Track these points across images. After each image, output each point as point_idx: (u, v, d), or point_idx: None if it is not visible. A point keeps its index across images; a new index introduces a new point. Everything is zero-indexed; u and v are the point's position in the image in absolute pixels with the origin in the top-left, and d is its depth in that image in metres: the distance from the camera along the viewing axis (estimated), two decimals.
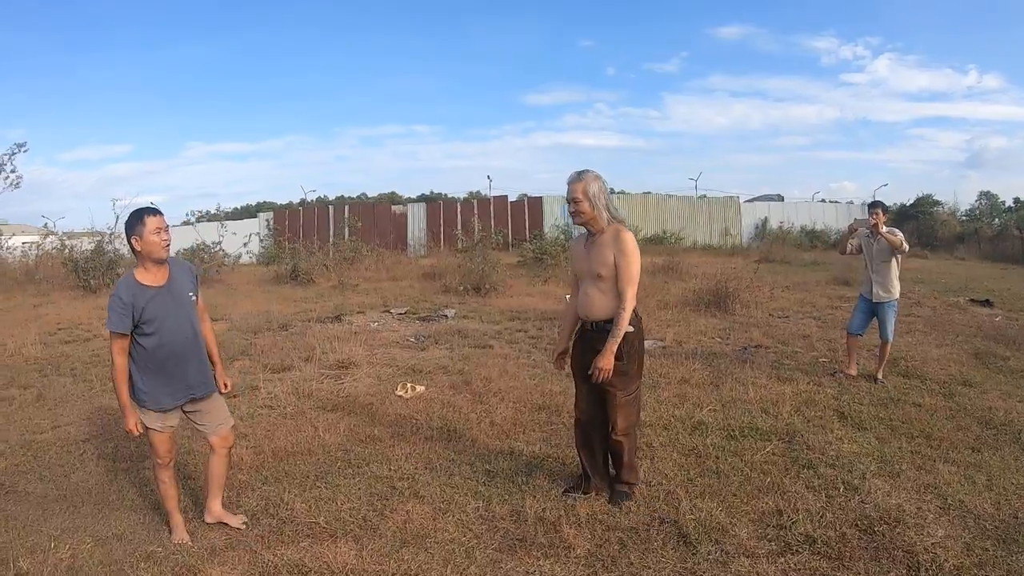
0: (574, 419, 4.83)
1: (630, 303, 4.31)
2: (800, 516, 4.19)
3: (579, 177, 4.46)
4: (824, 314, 12.16)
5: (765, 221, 33.78)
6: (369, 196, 61.99)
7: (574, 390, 4.85)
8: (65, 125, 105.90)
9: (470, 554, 3.93)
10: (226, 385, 4.54)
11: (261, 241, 32.58)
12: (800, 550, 3.86)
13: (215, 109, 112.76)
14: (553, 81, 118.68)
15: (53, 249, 24.21)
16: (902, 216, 37.25)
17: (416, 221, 32.91)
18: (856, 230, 8.06)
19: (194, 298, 4.23)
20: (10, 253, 24.70)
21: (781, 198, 39.18)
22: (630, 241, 4.36)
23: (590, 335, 4.52)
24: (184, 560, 3.99)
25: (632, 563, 3.78)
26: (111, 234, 21.90)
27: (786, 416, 6.10)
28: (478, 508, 4.50)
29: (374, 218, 32.47)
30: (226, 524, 4.47)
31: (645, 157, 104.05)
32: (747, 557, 3.79)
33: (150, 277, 4.03)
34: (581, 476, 4.76)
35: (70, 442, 6.25)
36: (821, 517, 4.20)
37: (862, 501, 4.42)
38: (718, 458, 5.17)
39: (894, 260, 7.73)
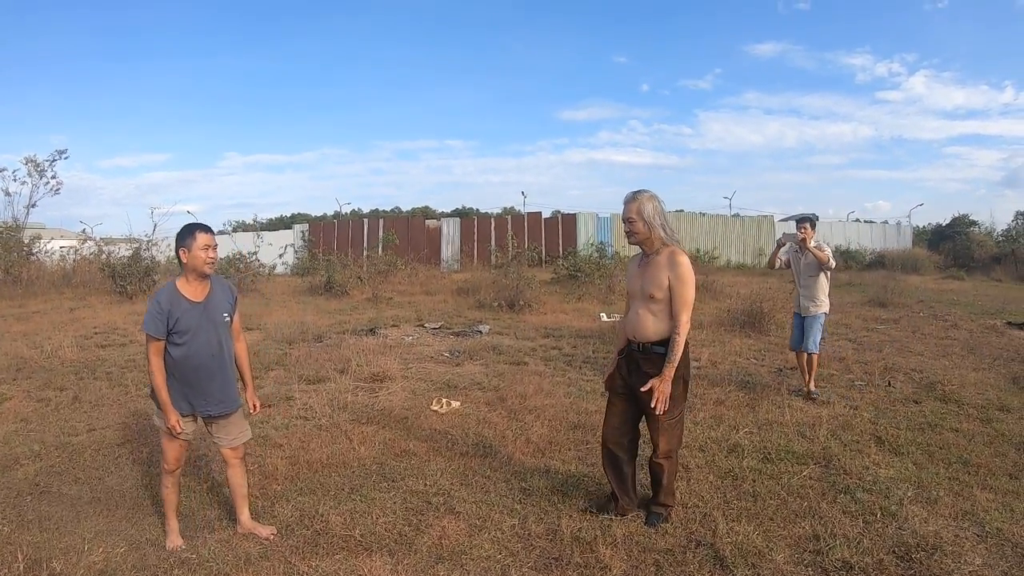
0: (602, 437, 4.78)
1: (684, 327, 4.30)
2: (837, 542, 4.14)
3: (634, 197, 4.46)
4: (859, 336, 12.00)
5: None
6: (403, 210, 62.46)
7: (600, 408, 4.87)
8: (105, 133, 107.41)
9: (505, 572, 3.94)
10: (255, 407, 4.65)
11: (296, 253, 32.83)
12: None
13: (252, 120, 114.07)
14: (588, 97, 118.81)
15: (90, 254, 24.61)
16: (938, 236, 36.88)
17: (450, 236, 33.00)
18: (784, 244, 8.16)
19: (228, 319, 4.37)
20: (48, 257, 25.00)
21: (816, 217, 38.76)
22: (685, 264, 4.34)
23: (637, 356, 4.48)
24: (218, 568, 4.03)
25: None
26: (149, 241, 22.19)
27: (823, 440, 6.05)
28: (514, 526, 4.49)
29: (408, 232, 32.61)
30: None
31: (678, 175, 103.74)
32: None
33: (191, 290, 4.22)
34: (610, 496, 4.73)
35: (105, 445, 6.33)
36: (858, 543, 4.15)
37: (899, 527, 4.37)
38: (754, 481, 5.13)
39: (822, 275, 7.91)
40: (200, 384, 4.27)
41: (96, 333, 13.25)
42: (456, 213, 49.30)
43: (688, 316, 4.32)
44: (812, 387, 7.78)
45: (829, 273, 7.95)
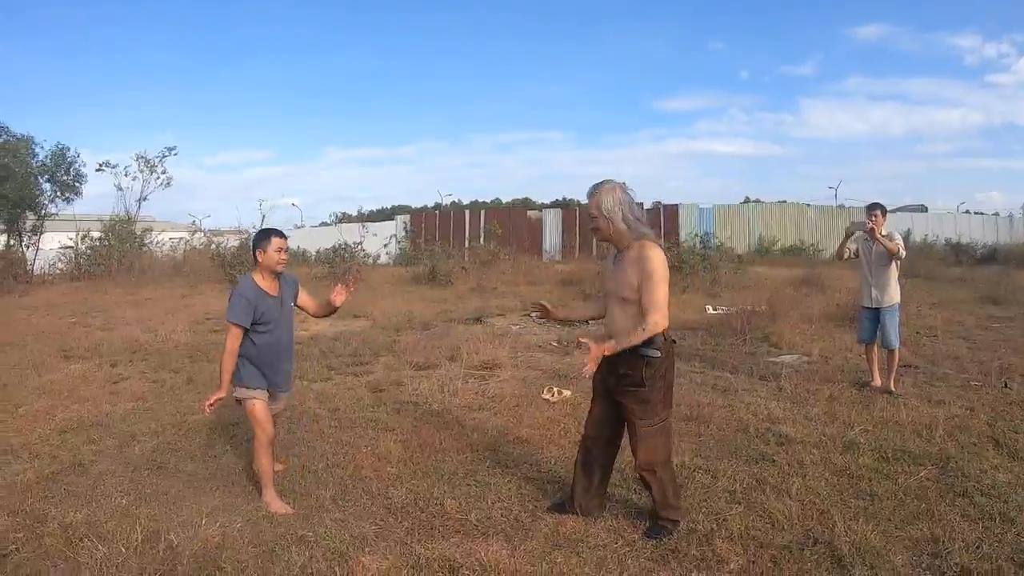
0: (582, 434, 4.68)
1: (652, 329, 3.96)
2: (956, 546, 4.03)
3: (594, 191, 4.22)
4: (973, 334, 11.57)
5: (908, 233, 32.16)
6: (503, 201, 62.85)
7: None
8: (210, 131, 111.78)
9: (622, 562, 3.92)
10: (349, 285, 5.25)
11: (398, 243, 33.45)
12: None
13: (352, 115, 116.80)
14: (685, 86, 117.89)
15: (200, 245, 25.66)
16: None
17: (552, 227, 33.15)
18: (853, 234, 7.91)
19: (293, 305, 5.04)
20: (159, 248, 26.10)
21: (924, 209, 37.43)
22: (654, 259, 4.02)
23: (614, 358, 4.14)
24: (335, 547, 4.09)
25: None
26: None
27: (939, 441, 5.89)
28: (629, 516, 4.50)
29: (510, 223, 32.88)
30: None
31: (781, 164, 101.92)
32: None
33: (267, 285, 4.83)
34: (570, 495, 4.60)
35: (220, 425, 6.56)
36: (977, 548, 4.02)
37: (1018, 534, 4.22)
38: (871, 480, 5.05)
39: (893, 265, 7.64)
40: (279, 365, 4.97)
41: (208, 319, 13.92)
42: (555, 204, 49.32)
43: (658, 317, 3.95)
44: (892, 385, 7.56)
45: (898, 263, 7.73)
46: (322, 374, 8.79)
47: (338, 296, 5.03)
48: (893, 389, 7.49)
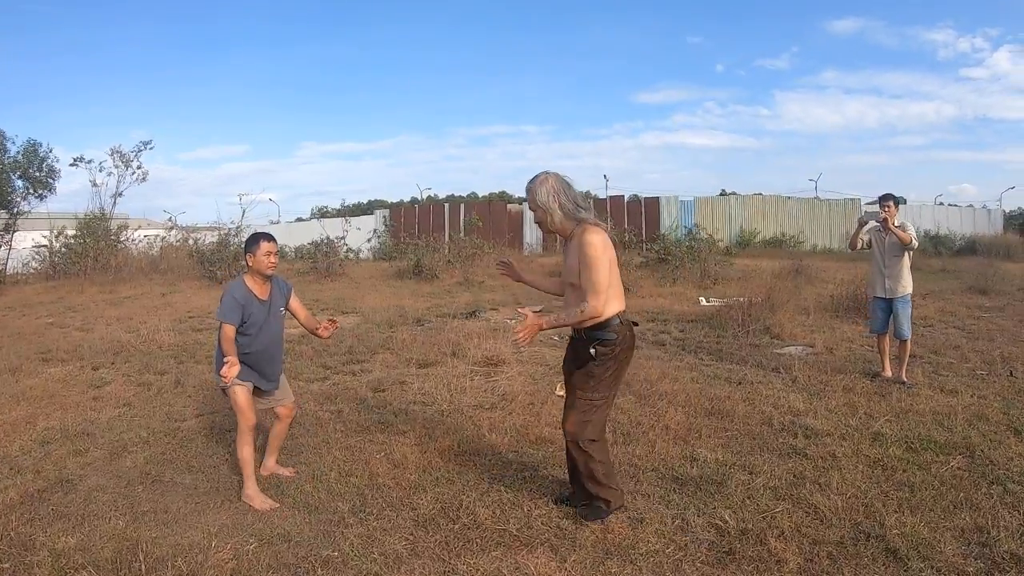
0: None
1: (590, 312, 3.98)
2: (1002, 534, 4.01)
3: (530, 185, 4.21)
4: (967, 324, 11.64)
5: None
6: (479, 195, 62.89)
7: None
8: (185, 126, 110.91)
9: (678, 567, 3.81)
10: (329, 325, 5.26)
11: (378, 237, 33.26)
12: (1008, 569, 3.71)
13: (328, 109, 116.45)
14: (662, 79, 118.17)
15: (176, 242, 25.33)
16: None
17: (532, 220, 33.01)
18: (866, 223, 7.91)
19: (283, 311, 5.09)
20: (135, 245, 25.73)
21: (904, 201, 37.81)
22: (592, 243, 3.97)
23: (575, 343, 4.34)
24: (366, 568, 3.88)
25: None
26: (237, 228, 22.71)
27: (960, 430, 5.87)
28: (674, 518, 4.36)
29: (490, 216, 32.78)
30: (278, 477, 5.25)
31: (756, 157, 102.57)
32: (957, 575, 3.68)
33: (257, 288, 4.92)
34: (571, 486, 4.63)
35: (215, 431, 6.35)
36: (1022, 535, 4.03)
37: None
38: (904, 471, 5.00)
39: (906, 256, 7.68)
40: (262, 367, 5.01)
41: (190, 317, 13.69)
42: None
43: (598, 301, 3.97)
44: (904, 375, 7.57)
45: (911, 253, 7.76)
46: (318, 374, 8.55)
47: (325, 331, 5.18)
48: (905, 379, 7.49)
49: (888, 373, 7.70)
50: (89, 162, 27.18)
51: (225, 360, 4.58)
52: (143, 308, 15.09)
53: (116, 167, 27.61)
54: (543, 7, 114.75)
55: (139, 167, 27.97)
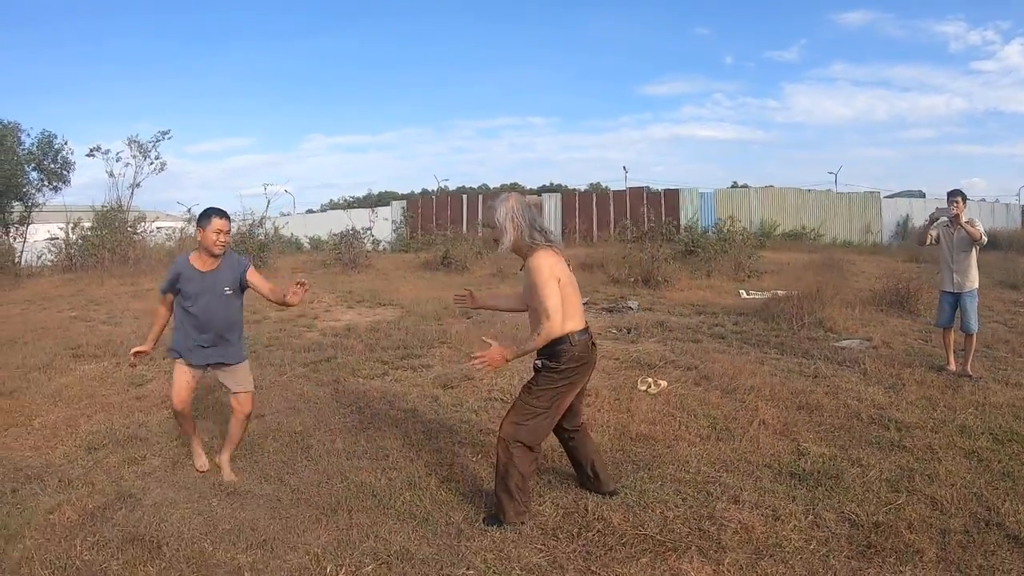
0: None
1: (544, 336, 4.04)
2: None
3: (491, 203, 4.31)
4: (1008, 319, 11.73)
5: (907, 219, 32.62)
6: (489, 187, 62.69)
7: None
8: (191, 119, 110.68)
9: (827, 563, 3.79)
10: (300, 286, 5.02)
11: (396, 229, 33.35)
12: None
13: (334, 101, 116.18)
14: (670, 71, 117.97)
15: (195, 234, 25.38)
16: None
17: (551, 211, 33.10)
18: (937, 219, 7.98)
19: (229, 291, 5.03)
20: (152, 237, 25.73)
21: (923, 194, 37.76)
22: (536, 268, 4.06)
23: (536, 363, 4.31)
24: None
25: (982, 566, 3.74)
26: (263, 217, 22.73)
27: None
28: (806, 513, 4.32)
29: None
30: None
31: (765, 149, 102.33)
32: None
33: (200, 263, 4.98)
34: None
35: (284, 433, 6.03)
36: None
37: None
38: (1000, 462, 5.09)
39: (973, 250, 7.78)
40: (199, 337, 5.00)
41: None
42: (543, 189, 49.41)
43: (552, 324, 4.02)
44: (969, 369, 7.66)
45: (978, 249, 7.86)
46: (376, 369, 8.33)
47: (294, 296, 4.95)
48: (971, 373, 7.58)
49: (953, 367, 7.79)
50: (106, 152, 27.20)
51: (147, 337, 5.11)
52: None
53: (134, 157, 27.68)
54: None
55: (157, 157, 28.09)
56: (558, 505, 4.52)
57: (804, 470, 4.99)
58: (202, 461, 5.29)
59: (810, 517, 4.28)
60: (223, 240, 4.88)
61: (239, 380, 5.19)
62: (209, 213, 4.89)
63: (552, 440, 4.80)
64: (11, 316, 13.90)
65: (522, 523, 4.25)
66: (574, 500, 4.57)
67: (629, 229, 20.48)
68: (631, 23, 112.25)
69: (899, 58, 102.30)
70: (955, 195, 7.77)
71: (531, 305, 4.17)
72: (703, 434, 5.78)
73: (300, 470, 5.24)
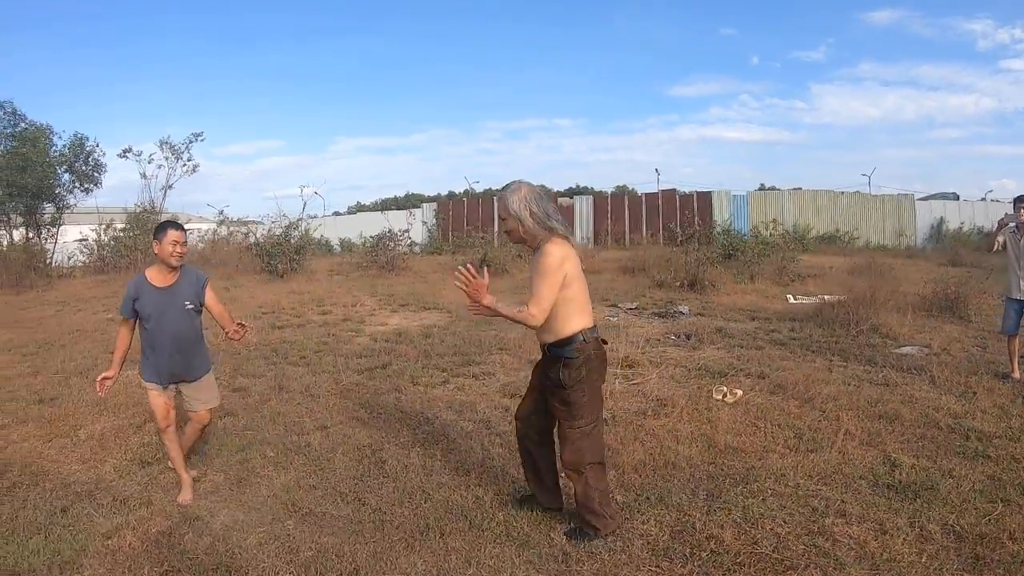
0: (515, 415, 4.73)
1: (525, 316, 3.98)
2: None
3: (501, 194, 4.23)
4: None
5: (941, 221, 32.50)
6: None
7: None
8: (220, 121, 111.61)
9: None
10: (238, 328, 5.21)
11: (430, 231, 33.52)
12: None
13: (361, 103, 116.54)
14: (697, 72, 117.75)
15: (229, 235, 25.64)
16: None
17: (583, 213, 33.18)
18: (1006, 224, 8.02)
19: (190, 306, 5.04)
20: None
21: (956, 196, 37.51)
22: (547, 256, 3.97)
23: (544, 359, 4.36)
24: None
25: None
26: (297, 220, 22.93)
27: None
28: (911, 526, 4.31)
29: None
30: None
31: (792, 150, 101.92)
32: None
33: (159, 278, 4.97)
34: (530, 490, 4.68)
35: (352, 447, 5.86)
36: None
37: None
38: None
39: None
40: (163, 358, 4.97)
41: (264, 313, 13.50)
42: (570, 191, 49.51)
43: (536, 309, 3.94)
44: None
45: None
46: (436, 377, 8.22)
47: (235, 334, 5.17)
48: None
49: (1017, 375, 7.82)
50: (139, 154, 27.67)
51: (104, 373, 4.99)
52: None
53: (166, 159, 28.08)
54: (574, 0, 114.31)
55: (189, 159, 28.52)
56: (662, 523, 4.40)
57: (900, 481, 4.96)
58: (189, 495, 5.01)
59: (916, 530, 4.27)
60: (179, 251, 4.92)
61: (206, 398, 5.26)
62: (165, 226, 4.96)
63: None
64: (46, 318, 14.07)
65: (616, 529, 4.28)
66: (677, 517, 4.47)
67: (674, 232, 20.42)
68: (657, 23, 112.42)
69: (927, 57, 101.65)
70: (1021, 202, 7.79)
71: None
72: (791, 445, 5.74)
73: (377, 488, 5.04)
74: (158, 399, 5.03)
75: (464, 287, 4.01)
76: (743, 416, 6.46)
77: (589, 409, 4.19)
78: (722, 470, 5.25)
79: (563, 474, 4.39)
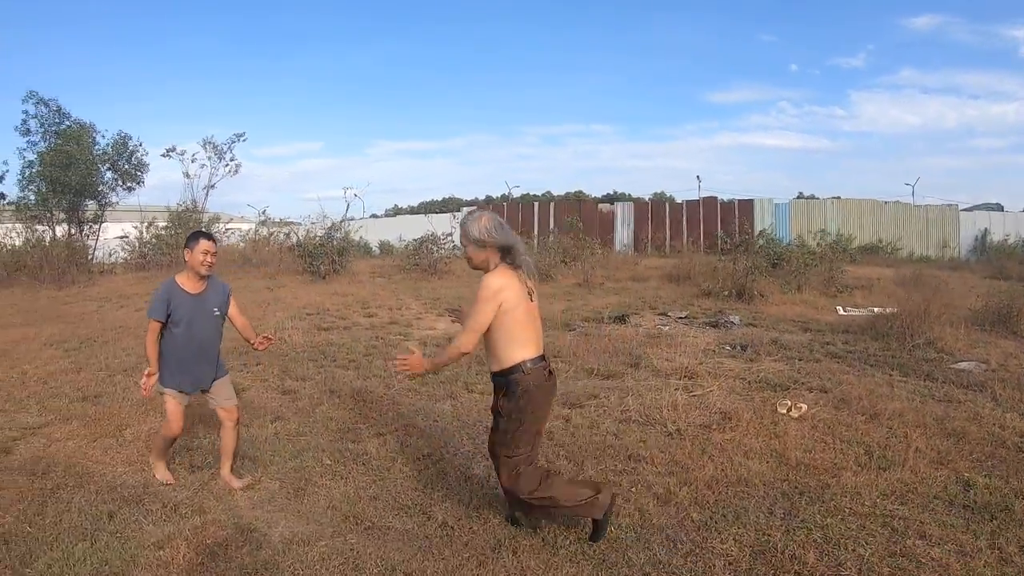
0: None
1: (453, 347, 4.13)
2: None
3: (462, 220, 4.26)
4: None
5: (985, 232, 32.10)
6: (554, 194, 63.29)
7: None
8: (260, 123, 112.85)
9: None
10: (266, 339, 5.52)
11: None
12: None
13: (400, 107, 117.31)
14: (734, 78, 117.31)
15: (270, 235, 26.03)
16: None
17: (623, 220, 33.21)
18: None
19: (218, 313, 5.25)
20: (226, 238, 26.49)
21: (1001, 207, 37.07)
22: (486, 285, 3.98)
23: (493, 385, 4.35)
24: None
25: None
26: (342, 221, 23.14)
27: None
28: (990, 548, 4.27)
29: (580, 216, 32.89)
30: None
31: (831, 158, 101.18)
32: None
33: (190, 285, 5.12)
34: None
35: (411, 457, 5.78)
36: None
37: None
38: None
39: None
40: (192, 365, 5.14)
41: (308, 314, 13.55)
42: (607, 198, 49.56)
43: (465, 339, 4.05)
44: None
45: None
46: (488, 386, 7.78)
47: (260, 345, 5.47)
48: None
49: None
50: (182, 153, 28.18)
51: (147, 371, 5.11)
52: (252, 303, 14.59)
53: (209, 159, 28.53)
54: (614, 4, 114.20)
55: (232, 159, 28.93)
56: (742, 543, 4.33)
57: (975, 502, 4.90)
58: (168, 475, 5.42)
59: (996, 551, 4.22)
60: (210, 260, 5.07)
61: (228, 394, 5.42)
62: (196, 236, 5.11)
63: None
64: (88, 314, 14.28)
65: (612, 500, 4.39)
66: (756, 537, 4.40)
67: (717, 240, 20.40)
68: (696, 29, 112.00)
69: (968, 64, 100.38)
70: None
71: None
72: (862, 462, 5.66)
73: (440, 500, 4.91)
74: (177, 407, 5.19)
75: (404, 369, 4.23)
76: (811, 431, 6.40)
77: (524, 441, 4.17)
78: (796, 487, 5.17)
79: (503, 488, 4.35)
